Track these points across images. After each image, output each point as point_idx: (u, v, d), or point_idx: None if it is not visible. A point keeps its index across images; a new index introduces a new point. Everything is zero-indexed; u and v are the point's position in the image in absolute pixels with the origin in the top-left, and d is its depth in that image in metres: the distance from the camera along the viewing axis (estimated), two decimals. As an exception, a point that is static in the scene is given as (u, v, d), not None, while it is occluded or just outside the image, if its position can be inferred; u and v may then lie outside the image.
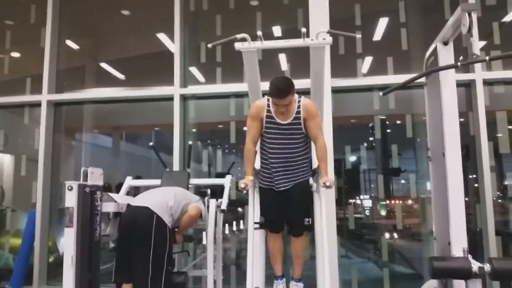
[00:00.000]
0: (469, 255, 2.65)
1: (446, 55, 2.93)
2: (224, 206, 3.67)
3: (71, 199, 3.21)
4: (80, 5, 6.12)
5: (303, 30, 2.86)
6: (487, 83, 4.70)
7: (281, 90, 2.80)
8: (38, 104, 5.49)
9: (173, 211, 3.32)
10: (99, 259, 3.48)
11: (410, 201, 5.66)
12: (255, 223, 3.04)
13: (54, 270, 5.24)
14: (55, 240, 5.65)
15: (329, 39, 2.89)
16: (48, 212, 5.32)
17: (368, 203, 6.98)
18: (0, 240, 5.74)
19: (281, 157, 2.96)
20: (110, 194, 3.62)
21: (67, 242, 3.19)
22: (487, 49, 4.71)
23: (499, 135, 4.82)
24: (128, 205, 3.36)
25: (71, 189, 3.21)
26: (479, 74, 4.63)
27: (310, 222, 3.00)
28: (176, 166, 4.90)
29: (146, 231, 3.13)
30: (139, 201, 3.36)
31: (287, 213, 2.98)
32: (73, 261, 3.15)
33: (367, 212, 6.76)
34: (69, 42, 6.13)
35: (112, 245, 5.15)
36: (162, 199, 3.34)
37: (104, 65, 6.92)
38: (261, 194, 3.08)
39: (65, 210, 3.22)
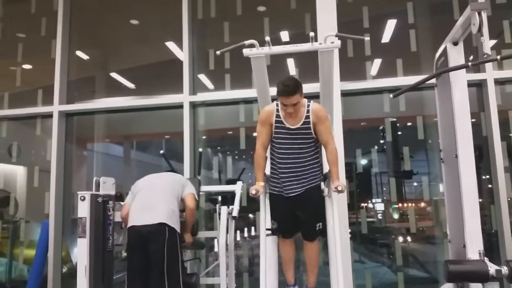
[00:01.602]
0: (485, 258, 2.61)
1: (456, 56, 2.91)
2: (235, 213, 3.66)
3: (83, 209, 3.24)
4: (89, 16, 6.19)
5: (311, 34, 2.85)
6: (499, 82, 4.63)
7: (288, 87, 2.79)
8: (49, 115, 5.55)
9: (177, 211, 3.34)
10: (112, 269, 3.50)
11: (423, 204, 5.59)
12: (267, 229, 3.02)
13: (68, 280, 5.26)
14: (68, 250, 5.69)
15: (338, 43, 2.88)
16: (61, 223, 5.35)
17: (380, 206, 6.92)
18: (14, 251, 5.78)
19: (290, 162, 2.94)
20: (122, 203, 3.64)
21: (81, 252, 3.21)
22: (497, 48, 4.65)
23: (512, 134, 4.75)
24: (132, 227, 3.25)
25: (83, 199, 3.24)
26: (490, 73, 4.56)
27: (321, 227, 2.97)
28: (187, 174, 4.91)
29: (159, 249, 3.14)
30: (144, 218, 3.26)
31: (299, 218, 2.96)
32: (87, 271, 3.17)
33: (379, 216, 6.71)
34: (79, 53, 6.20)
35: (125, 254, 5.17)
36: (165, 206, 3.32)
37: (114, 74, 7.00)
38: (271, 200, 3.06)
39: (78, 221, 3.25)
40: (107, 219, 3.36)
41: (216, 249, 4.57)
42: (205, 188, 4.22)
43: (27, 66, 6.28)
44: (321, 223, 2.96)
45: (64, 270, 5.40)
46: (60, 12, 5.70)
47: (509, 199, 4.39)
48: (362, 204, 6.28)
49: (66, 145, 5.62)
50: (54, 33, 5.69)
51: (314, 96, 3.19)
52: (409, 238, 5.58)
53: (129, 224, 3.27)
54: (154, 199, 3.37)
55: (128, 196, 3.55)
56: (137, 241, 3.20)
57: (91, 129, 6.72)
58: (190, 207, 3.47)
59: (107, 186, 3.47)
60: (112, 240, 3.39)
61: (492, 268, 2.47)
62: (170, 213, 3.29)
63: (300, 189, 2.93)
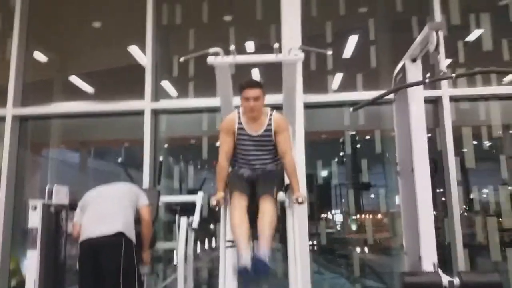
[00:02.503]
0: (439, 269, 2.68)
1: (415, 72, 3.01)
2: (195, 224, 3.60)
3: (35, 219, 3.10)
4: (49, 16, 5.98)
5: (276, 45, 2.88)
6: (454, 99, 4.84)
7: (252, 80, 2.93)
8: (2, 119, 5.28)
9: (133, 221, 3.21)
10: (63, 282, 3.33)
11: (380, 216, 5.73)
12: (228, 241, 2.97)
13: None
14: (18, 263, 5.38)
15: (301, 55, 2.91)
16: (10, 233, 5.06)
17: (339, 217, 7.03)
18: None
19: (252, 163, 2.99)
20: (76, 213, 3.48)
21: (30, 265, 3.06)
22: (452, 67, 4.87)
23: (465, 150, 4.96)
24: (85, 241, 3.09)
25: (35, 208, 3.09)
26: (445, 90, 4.77)
27: (277, 190, 2.84)
28: (146, 183, 4.79)
29: (114, 265, 2.99)
30: (98, 229, 3.09)
31: (256, 185, 2.90)
32: (36, 284, 3.01)
33: (338, 227, 6.81)
34: (36, 54, 5.96)
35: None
36: (121, 215, 3.18)
37: (73, 78, 6.76)
38: (231, 178, 2.97)
39: (28, 231, 3.08)
40: (59, 229, 3.21)
41: (175, 262, 4.47)
42: (165, 198, 4.13)
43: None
44: (276, 187, 2.85)
45: (13, 283, 5.10)
46: (18, 10, 5.49)
47: (461, 212, 4.57)
48: (322, 215, 6.35)
49: (19, 151, 5.36)
50: (10, 32, 5.45)
51: (277, 107, 3.20)
52: (366, 249, 5.69)
53: (82, 238, 3.10)
54: (108, 209, 3.21)
55: (77, 213, 3.31)
56: (91, 254, 3.04)
57: (47, 134, 6.43)
58: (147, 219, 3.34)
59: (61, 195, 3.33)
60: (65, 252, 3.23)
61: (445, 279, 2.55)
62: (127, 223, 3.16)
63: (258, 171, 2.98)
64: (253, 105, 2.85)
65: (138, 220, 3.35)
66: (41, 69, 6.27)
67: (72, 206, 3.53)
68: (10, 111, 5.27)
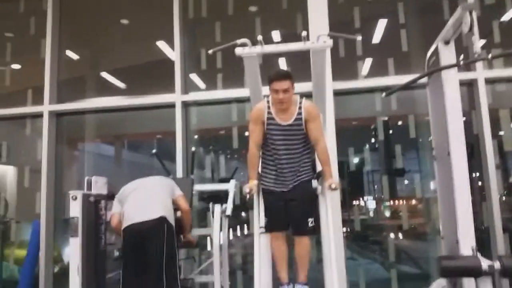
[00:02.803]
0: (478, 253, 2.64)
1: (448, 55, 2.93)
2: (229, 212, 3.66)
3: (75, 209, 3.21)
4: (79, 15, 6.13)
5: (304, 33, 2.87)
6: (489, 81, 4.69)
7: (280, 72, 2.89)
8: (40, 115, 5.49)
9: (172, 209, 3.35)
10: (104, 268, 3.47)
11: (414, 201, 5.64)
12: (261, 227, 3.02)
13: (60, 280, 5.21)
14: (59, 250, 5.63)
15: (330, 42, 2.89)
16: (52, 222, 5.30)
17: (372, 204, 6.97)
18: (5, 252, 5.72)
19: (283, 158, 2.95)
20: (114, 202, 3.61)
21: (73, 252, 3.19)
22: (487, 47, 4.71)
23: (502, 133, 4.81)
24: (129, 226, 3.21)
25: (75, 198, 3.21)
26: (480, 72, 4.62)
27: (313, 223, 2.94)
28: (179, 173, 4.89)
29: (158, 248, 3.12)
30: (142, 215, 3.22)
31: (290, 213, 2.95)
32: (79, 270, 3.14)
33: (371, 214, 6.75)
34: (69, 53, 6.14)
35: (116, 253, 5.13)
36: (162, 202, 3.32)
37: (104, 74, 6.94)
38: (264, 195, 3.06)
39: (70, 220, 3.22)
40: (99, 218, 3.33)
41: (209, 248, 4.56)
42: (198, 187, 4.21)
43: (16, 66, 6.20)
44: (313, 219, 2.94)
45: (56, 270, 5.35)
46: (50, 11, 5.65)
47: (499, 196, 4.45)
48: (354, 202, 6.31)
49: (57, 145, 5.56)
50: (44, 33, 5.64)
51: (306, 96, 3.19)
52: (400, 235, 5.62)
53: (126, 224, 3.21)
54: (148, 198, 3.34)
55: (115, 205, 3.43)
56: (135, 240, 3.16)
57: (82, 129, 6.65)
58: (186, 209, 3.48)
59: (99, 186, 3.45)
60: (105, 240, 3.36)
61: (485, 263, 2.50)
62: (167, 209, 3.29)
63: (291, 184, 2.95)
64: (282, 98, 2.84)
65: (175, 210, 3.47)
66: (74, 67, 6.46)
67: (110, 196, 3.66)
68: (46, 107, 5.47)
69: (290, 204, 2.93)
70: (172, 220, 3.29)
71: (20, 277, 5.21)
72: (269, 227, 3.01)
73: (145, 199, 3.32)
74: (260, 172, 3.08)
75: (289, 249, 3.11)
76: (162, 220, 3.19)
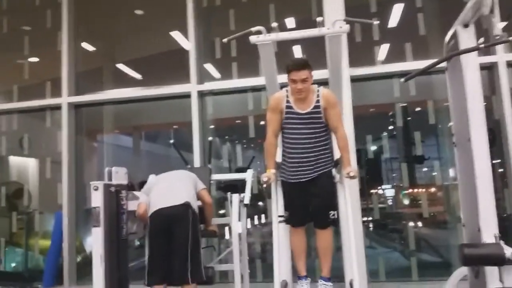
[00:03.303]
0: (501, 241, 2.59)
1: (467, 38, 2.85)
2: (247, 201, 3.68)
3: (97, 199, 3.26)
4: (94, 8, 6.17)
5: (319, 19, 2.83)
6: (510, 64, 4.57)
7: (298, 61, 2.85)
8: (58, 107, 5.58)
9: (195, 198, 3.44)
10: (127, 257, 3.54)
11: (433, 189, 5.58)
12: (279, 216, 3.02)
13: (82, 269, 5.35)
14: (81, 240, 5.77)
15: (346, 27, 2.84)
16: (74, 213, 5.41)
17: (390, 192, 6.91)
18: (30, 242, 5.89)
19: (302, 147, 2.92)
20: (135, 192, 3.66)
21: (95, 242, 3.25)
22: (507, 30, 4.57)
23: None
24: (156, 211, 3.30)
25: (96, 189, 3.26)
26: (501, 56, 4.50)
27: (336, 216, 2.93)
28: (197, 163, 4.93)
29: (184, 232, 3.19)
30: (168, 201, 3.32)
31: (311, 205, 2.93)
32: (102, 259, 3.21)
33: (390, 202, 6.70)
34: (85, 45, 6.20)
35: (137, 242, 5.22)
36: (186, 191, 3.41)
37: (121, 66, 6.99)
38: (284, 188, 3.04)
39: (91, 210, 3.28)
40: (120, 208, 3.39)
41: (227, 237, 4.61)
42: (216, 176, 4.24)
43: (34, 59, 6.29)
44: (335, 212, 2.93)
45: (78, 259, 5.48)
46: (65, 3, 5.70)
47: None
48: (372, 191, 6.27)
49: (76, 137, 5.66)
50: (59, 25, 5.70)
51: (322, 83, 3.16)
52: (420, 223, 5.57)
53: (153, 210, 3.31)
54: (174, 187, 3.44)
55: (141, 196, 3.55)
56: (162, 224, 3.25)
57: (100, 120, 6.75)
58: (209, 202, 3.60)
59: (119, 176, 3.50)
60: (126, 229, 3.42)
61: (508, 251, 2.46)
62: (192, 197, 3.38)
63: (311, 175, 2.92)
64: (301, 87, 2.82)
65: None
66: (90, 59, 6.53)
67: (130, 186, 3.72)
68: (65, 99, 5.55)
69: (312, 198, 2.91)
70: (196, 208, 3.37)
71: (45, 266, 5.37)
72: (290, 222, 3.01)
73: (171, 188, 3.43)
74: (279, 162, 3.05)
75: (309, 239, 3.11)
76: (188, 205, 3.28)
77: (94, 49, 6.51)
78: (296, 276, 3.05)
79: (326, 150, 2.98)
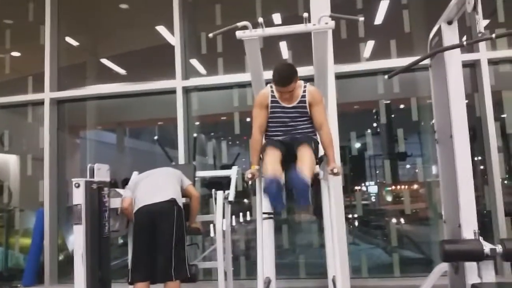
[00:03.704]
0: (480, 237, 2.63)
1: (451, 35, 2.89)
2: (231, 198, 3.67)
3: (78, 196, 3.21)
4: (78, 1, 6.07)
5: (305, 15, 2.82)
6: (492, 62, 4.63)
7: (284, 78, 2.81)
8: (41, 103, 5.48)
9: (180, 194, 3.44)
10: (109, 255, 3.49)
11: (416, 186, 5.64)
12: (264, 212, 3.01)
13: (65, 267, 5.27)
14: (63, 238, 5.68)
15: (332, 23, 2.84)
16: (56, 211, 5.33)
17: (373, 189, 6.97)
18: (10, 240, 5.77)
19: (287, 138, 2.96)
20: (117, 189, 3.62)
21: (77, 240, 3.20)
22: (491, 27, 4.64)
23: (505, 115, 4.77)
24: (141, 208, 3.30)
25: (78, 186, 3.21)
26: (484, 53, 4.56)
27: (316, 145, 2.91)
28: (181, 160, 4.89)
29: (169, 228, 3.19)
30: (153, 198, 3.31)
31: (293, 140, 2.91)
32: (83, 258, 3.16)
33: (373, 199, 6.76)
34: (69, 39, 6.09)
35: (121, 241, 5.17)
36: (172, 187, 3.41)
37: (104, 61, 6.89)
38: (266, 143, 2.99)
39: (73, 208, 3.22)
40: (102, 205, 3.34)
41: (212, 234, 4.59)
42: (200, 173, 4.21)
43: (16, 54, 6.16)
44: (312, 142, 2.90)
45: (60, 258, 5.40)
46: (48, -3, 5.59)
47: (501, 179, 4.43)
48: (356, 187, 6.31)
49: (59, 133, 5.56)
50: (43, 19, 5.58)
51: (308, 79, 3.16)
52: (402, 220, 5.63)
53: (138, 206, 3.32)
54: (159, 183, 3.45)
55: (126, 190, 3.57)
56: (146, 220, 3.24)
57: (83, 116, 6.65)
58: (196, 195, 3.62)
59: (102, 173, 3.45)
60: (108, 227, 3.38)
61: (487, 247, 2.50)
62: (177, 194, 3.39)
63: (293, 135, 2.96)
64: (287, 97, 2.91)
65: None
66: (74, 53, 6.42)
67: (113, 183, 3.68)
68: (47, 94, 5.45)
69: (290, 141, 2.91)
70: (181, 204, 3.37)
71: (25, 265, 5.28)
72: (265, 148, 2.88)
73: (156, 185, 3.43)
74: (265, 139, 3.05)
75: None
76: (173, 202, 3.28)
77: (78, 43, 6.40)
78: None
79: (312, 136, 3.01)
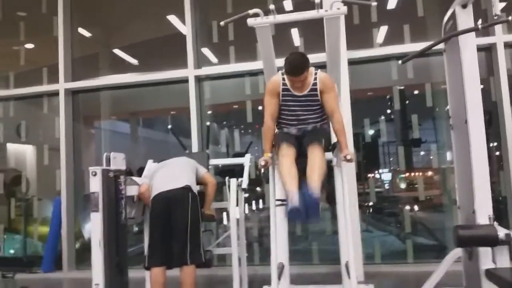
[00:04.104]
0: (495, 222, 2.61)
1: (466, 19, 2.83)
2: (245, 185, 3.70)
3: (95, 184, 3.26)
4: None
5: (317, 0, 2.80)
6: (509, 45, 4.54)
7: (297, 67, 2.80)
8: (56, 93, 5.56)
9: (195, 182, 3.50)
10: (126, 242, 3.56)
11: (430, 172, 5.60)
12: (277, 200, 3.03)
13: (82, 255, 5.39)
14: (80, 226, 5.80)
15: (344, 9, 2.82)
16: (73, 199, 5.44)
17: (387, 176, 6.94)
18: (28, 229, 5.91)
19: (299, 127, 2.98)
20: (133, 178, 3.67)
21: (94, 227, 3.26)
22: (507, 10, 4.53)
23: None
24: (157, 195, 3.37)
25: (95, 174, 3.26)
26: (499, 37, 4.47)
27: (324, 142, 2.94)
28: (195, 148, 4.93)
29: (183, 214, 3.25)
30: (168, 185, 3.37)
31: (306, 136, 2.96)
32: (101, 244, 3.22)
33: (386, 186, 6.73)
34: (81, 30, 6.14)
35: (136, 228, 5.25)
36: (187, 175, 3.46)
37: (117, 51, 6.93)
38: (280, 135, 3.03)
39: (90, 195, 3.28)
40: (119, 193, 3.40)
41: (225, 222, 4.63)
42: (214, 161, 4.25)
43: (30, 46, 6.24)
44: (323, 139, 2.95)
45: (77, 245, 5.51)
46: (61, -12, 5.62)
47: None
48: (369, 175, 6.29)
49: (74, 123, 5.65)
50: (55, 11, 5.63)
51: (320, 66, 3.15)
52: (416, 207, 5.61)
53: (154, 194, 3.39)
54: (175, 172, 3.51)
55: (143, 178, 3.67)
56: (161, 206, 3.31)
57: (97, 106, 6.73)
58: (213, 181, 3.68)
59: (118, 161, 3.50)
60: (125, 214, 3.43)
61: (501, 232, 2.48)
62: (192, 181, 3.44)
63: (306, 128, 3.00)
64: (300, 85, 2.89)
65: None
66: (87, 44, 6.47)
67: (128, 172, 3.73)
68: (62, 85, 5.53)
69: (303, 135, 2.97)
70: (196, 191, 3.42)
71: (44, 252, 5.41)
72: (279, 143, 2.95)
73: (171, 174, 3.49)
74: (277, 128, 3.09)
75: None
76: (187, 188, 3.33)
77: (90, 34, 6.45)
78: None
79: (323, 126, 3.05)
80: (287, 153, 2.88)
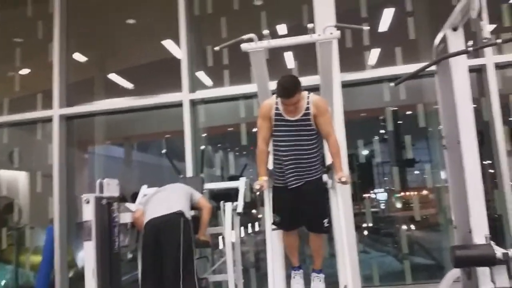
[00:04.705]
0: (492, 242, 2.60)
1: (456, 41, 2.87)
2: (240, 209, 3.67)
3: (88, 212, 3.22)
4: (85, 18, 6.15)
5: (310, 25, 2.85)
6: (499, 66, 4.62)
7: (288, 89, 2.80)
8: (49, 119, 5.53)
9: (189, 208, 3.48)
10: (119, 271, 3.49)
11: (425, 192, 5.61)
12: (273, 223, 3.01)
13: (74, 284, 5.26)
14: (73, 255, 5.68)
15: (337, 33, 2.86)
16: (66, 227, 5.33)
17: (382, 196, 6.94)
18: (20, 258, 5.77)
19: (291, 154, 2.92)
20: (127, 204, 3.64)
21: (87, 256, 3.20)
22: (496, 32, 4.64)
23: (514, 118, 4.74)
24: (148, 221, 3.34)
25: (88, 202, 3.23)
26: (490, 58, 4.55)
27: (329, 223, 2.98)
28: (189, 172, 4.90)
29: (175, 241, 3.20)
30: (160, 211, 3.35)
31: (304, 213, 2.96)
32: (94, 274, 3.16)
33: (382, 206, 6.72)
34: (76, 55, 6.17)
35: (130, 255, 5.16)
36: (180, 201, 3.44)
37: (112, 75, 6.96)
38: (274, 193, 3.06)
39: (83, 224, 3.24)
40: (112, 221, 3.35)
41: (221, 247, 4.57)
42: (208, 185, 4.22)
43: (25, 71, 6.24)
44: (328, 219, 2.97)
45: (70, 274, 5.39)
46: (56, 14, 5.67)
47: (511, 183, 4.38)
48: (364, 195, 6.28)
49: (67, 149, 5.60)
50: (51, 36, 5.66)
51: (313, 89, 3.17)
52: (413, 227, 5.59)
53: (146, 220, 3.37)
54: (168, 198, 3.49)
55: (137, 204, 3.66)
56: (152, 232, 3.26)
57: (92, 131, 6.70)
58: (208, 206, 3.66)
59: (111, 188, 3.46)
60: (118, 242, 3.38)
61: (499, 251, 2.46)
62: (185, 207, 3.41)
63: (301, 181, 2.92)
64: (293, 109, 2.88)
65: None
66: (82, 69, 6.49)
67: (122, 198, 3.69)
68: (56, 111, 5.50)
69: (303, 205, 2.93)
70: (189, 216, 3.38)
71: (36, 283, 5.27)
72: (282, 226, 3.05)
73: (165, 199, 3.47)
74: (271, 168, 3.07)
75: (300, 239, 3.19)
76: (179, 214, 3.30)
77: (86, 59, 6.47)
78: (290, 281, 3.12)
79: (315, 156, 2.98)
80: (289, 233, 3.12)
